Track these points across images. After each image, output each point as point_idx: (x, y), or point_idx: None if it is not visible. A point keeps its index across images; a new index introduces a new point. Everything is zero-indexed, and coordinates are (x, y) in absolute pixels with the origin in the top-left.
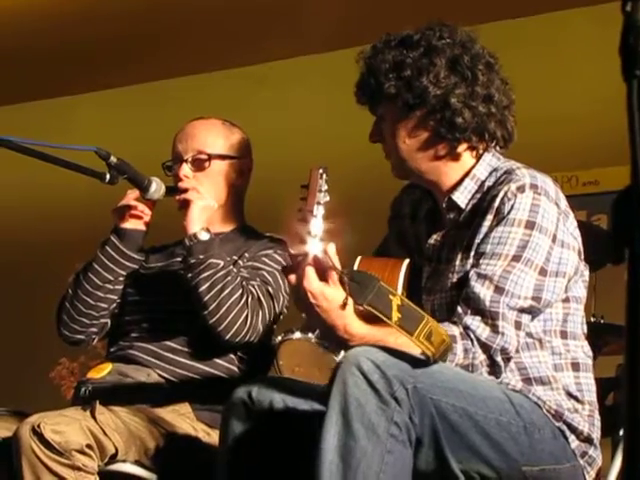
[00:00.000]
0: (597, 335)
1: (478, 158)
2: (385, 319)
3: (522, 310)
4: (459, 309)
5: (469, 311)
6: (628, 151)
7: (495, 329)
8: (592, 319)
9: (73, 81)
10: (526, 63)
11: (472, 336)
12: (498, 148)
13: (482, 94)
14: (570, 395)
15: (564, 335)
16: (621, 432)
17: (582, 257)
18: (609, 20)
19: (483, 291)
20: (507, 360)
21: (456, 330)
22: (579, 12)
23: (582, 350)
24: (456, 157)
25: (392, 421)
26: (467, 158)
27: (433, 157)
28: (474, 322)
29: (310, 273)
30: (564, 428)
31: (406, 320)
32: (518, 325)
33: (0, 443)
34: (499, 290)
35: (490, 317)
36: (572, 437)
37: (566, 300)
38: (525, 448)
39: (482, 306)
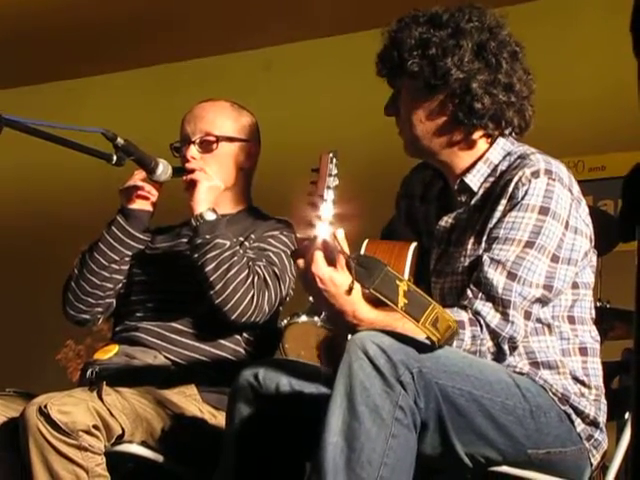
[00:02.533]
0: (603, 319)
1: (492, 143)
2: (391, 304)
3: (533, 300)
4: (469, 293)
5: (480, 296)
6: (635, 136)
7: (505, 317)
8: (598, 304)
9: (82, 64)
10: (534, 47)
11: (482, 322)
12: (513, 134)
13: (504, 82)
14: (577, 380)
15: (572, 320)
16: (627, 415)
17: (593, 244)
18: (617, 4)
19: (496, 277)
20: (513, 349)
21: (465, 316)
22: None
23: (590, 335)
24: (471, 143)
25: (397, 405)
26: (481, 144)
27: (448, 141)
28: (485, 308)
29: (319, 258)
30: (570, 411)
31: (412, 306)
32: (528, 315)
33: (7, 423)
34: (512, 276)
35: (502, 305)
36: (578, 420)
37: (575, 286)
38: (531, 431)
39: (494, 292)
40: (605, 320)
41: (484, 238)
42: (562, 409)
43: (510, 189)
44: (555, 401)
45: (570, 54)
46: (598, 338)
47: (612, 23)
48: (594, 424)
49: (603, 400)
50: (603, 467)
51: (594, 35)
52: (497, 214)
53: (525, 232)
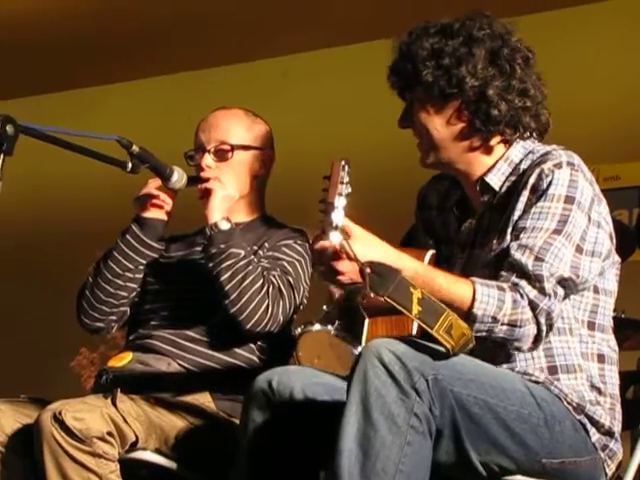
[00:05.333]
0: (618, 329)
1: (509, 148)
2: (405, 312)
3: (560, 280)
4: (502, 275)
5: (514, 274)
6: None
7: (542, 291)
8: (613, 313)
9: (99, 72)
10: (548, 56)
11: (521, 291)
12: (534, 137)
13: (518, 88)
14: (593, 386)
15: (591, 326)
16: None
17: (614, 242)
18: (633, 13)
19: (524, 259)
20: (549, 327)
21: (505, 284)
22: (603, 5)
23: (608, 344)
24: (489, 149)
25: (412, 412)
26: (499, 150)
27: (466, 148)
28: (521, 282)
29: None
30: (585, 421)
31: (426, 313)
32: (555, 295)
33: (21, 430)
34: (539, 259)
35: (536, 280)
36: (593, 430)
37: (596, 291)
38: (545, 441)
39: (525, 270)
40: (620, 330)
41: (509, 230)
42: (577, 418)
43: (532, 181)
44: (570, 410)
45: (586, 63)
46: (616, 348)
47: (628, 31)
48: (609, 434)
49: (618, 409)
50: (617, 478)
51: (610, 43)
52: (520, 205)
53: (553, 221)
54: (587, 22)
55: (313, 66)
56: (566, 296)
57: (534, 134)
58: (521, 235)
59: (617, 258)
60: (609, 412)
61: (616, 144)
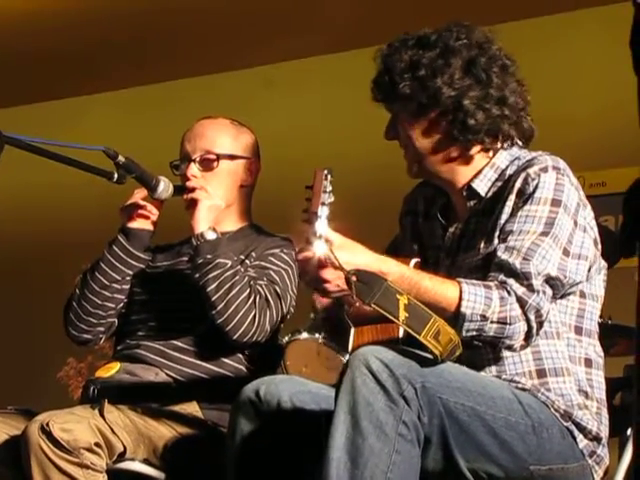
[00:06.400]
0: (605, 335)
1: (492, 157)
2: (392, 318)
3: (548, 279)
4: (490, 276)
5: (502, 274)
6: (635, 152)
7: (530, 288)
8: (600, 320)
9: (83, 82)
10: (533, 64)
11: (509, 289)
12: (518, 144)
13: (496, 96)
14: (580, 390)
15: (579, 331)
16: (629, 432)
17: (599, 248)
18: (617, 21)
19: (511, 259)
20: (540, 325)
21: (491, 282)
22: (587, 13)
23: (594, 349)
24: (469, 159)
25: (401, 420)
26: (480, 159)
27: (446, 158)
28: (509, 280)
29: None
30: (572, 428)
31: (413, 319)
32: (544, 292)
33: (9, 441)
34: (526, 260)
35: (524, 277)
36: (580, 437)
37: (582, 295)
38: (533, 447)
39: (513, 268)
40: (607, 336)
41: (496, 234)
42: (564, 425)
43: (519, 184)
44: (557, 417)
45: (571, 70)
46: (602, 354)
47: (611, 40)
48: (596, 439)
49: (605, 414)
50: None
51: (595, 51)
52: (507, 209)
53: (539, 224)
54: (572, 29)
55: (297, 75)
56: (554, 296)
57: (518, 142)
58: (508, 238)
59: (604, 263)
60: (596, 417)
61: (602, 151)
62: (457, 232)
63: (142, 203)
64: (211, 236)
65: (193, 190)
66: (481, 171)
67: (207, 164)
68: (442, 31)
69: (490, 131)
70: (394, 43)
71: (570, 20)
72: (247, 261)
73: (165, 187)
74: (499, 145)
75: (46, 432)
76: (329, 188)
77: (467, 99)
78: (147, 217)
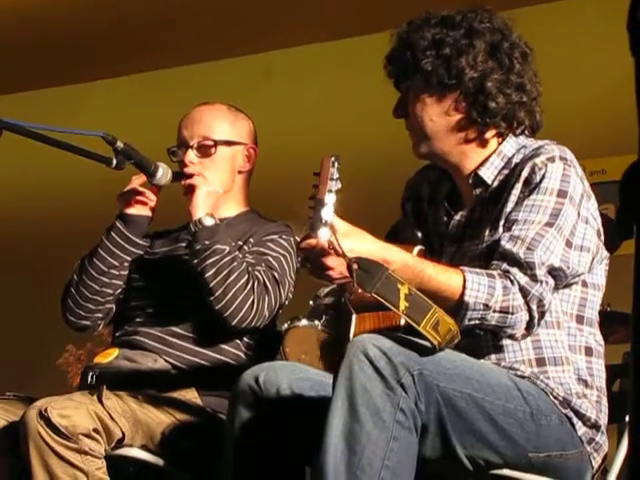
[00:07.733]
0: (604, 323)
1: (502, 142)
2: (392, 308)
3: (551, 270)
4: (493, 264)
5: (505, 262)
6: (635, 139)
7: (534, 278)
8: (599, 307)
9: (83, 69)
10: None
11: (512, 278)
12: (526, 134)
13: (516, 82)
14: (580, 379)
15: (580, 320)
16: (627, 419)
17: (602, 238)
18: (615, 8)
19: (515, 248)
20: (541, 315)
21: (494, 271)
22: (588, 0)
23: (594, 338)
24: (483, 142)
25: (398, 407)
26: (492, 144)
27: (462, 140)
28: (512, 269)
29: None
30: (571, 415)
31: (413, 309)
32: (546, 283)
33: (7, 427)
34: (530, 249)
35: (528, 267)
36: (579, 424)
37: (584, 285)
38: (532, 434)
39: (517, 257)
40: (606, 324)
41: (501, 222)
42: (563, 412)
43: (525, 174)
44: (556, 404)
45: (571, 57)
46: (602, 342)
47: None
48: (595, 427)
49: (604, 402)
50: (604, 470)
51: (592, 38)
52: (513, 198)
53: (545, 215)
54: (572, 16)
55: (297, 62)
56: (556, 287)
57: (526, 131)
58: (513, 227)
59: (606, 254)
60: (595, 405)
61: (602, 138)
62: (462, 220)
63: (140, 189)
64: (209, 222)
65: (191, 176)
66: (488, 159)
67: (205, 150)
68: (466, 12)
69: (507, 116)
70: (416, 21)
71: (570, 7)
72: (245, 247)
73: (164, 173)
74: (511, 132)
75: (44, 418)
76: (336, 175)
77: (490, 82)
78: (145, 203)
